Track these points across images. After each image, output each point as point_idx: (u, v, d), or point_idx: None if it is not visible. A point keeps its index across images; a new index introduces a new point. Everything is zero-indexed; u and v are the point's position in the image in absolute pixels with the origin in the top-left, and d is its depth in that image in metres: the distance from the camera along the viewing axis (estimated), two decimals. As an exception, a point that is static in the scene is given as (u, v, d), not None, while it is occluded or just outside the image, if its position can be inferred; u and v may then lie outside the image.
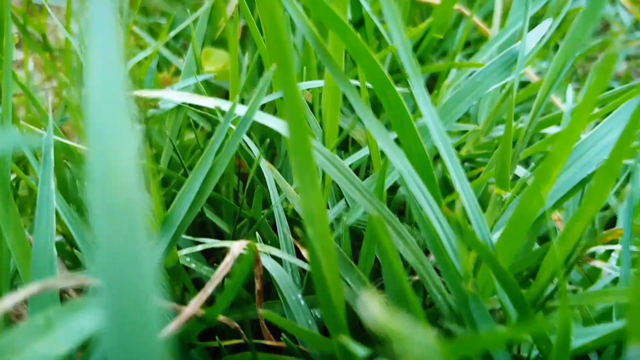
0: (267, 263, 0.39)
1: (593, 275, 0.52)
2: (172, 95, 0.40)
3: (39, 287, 0.23)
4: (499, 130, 0.67)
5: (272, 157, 0.73)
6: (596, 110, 0.50)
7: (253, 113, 0.36)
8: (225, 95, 0.83)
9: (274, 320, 0.32)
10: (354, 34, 0.35)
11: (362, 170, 0.62)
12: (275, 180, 0.46)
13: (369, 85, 0.50)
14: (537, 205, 0.32)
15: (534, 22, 0.77)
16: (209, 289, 0.32)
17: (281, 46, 0.27)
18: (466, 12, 0.75)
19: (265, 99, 0.51)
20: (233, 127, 0.42)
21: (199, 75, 0.55)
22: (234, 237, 0.56)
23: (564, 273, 0.31)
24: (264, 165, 0.45)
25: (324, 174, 0.43)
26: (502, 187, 0.44)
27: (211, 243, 0.42)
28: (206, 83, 0.81)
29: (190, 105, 0.57)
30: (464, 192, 0.35)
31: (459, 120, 0.69)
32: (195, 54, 0.59)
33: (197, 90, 0.62)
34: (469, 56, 0.91)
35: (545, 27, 0.46)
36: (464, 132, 0.67)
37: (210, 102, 0.38)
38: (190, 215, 0.36)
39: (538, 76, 0.81)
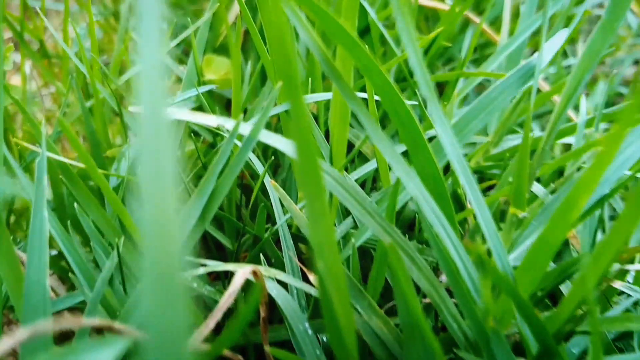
0: (273, 289, 0.37)
1: (608, 292, 0.50)
2: (175, 114, 0.38)
3: (28, 332, 0.22)
4: (509, 141, 0.65)
5: (275, 168, 0.71)
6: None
7: (257, 133, 0.34)
8: (227, 104, 0.81)
9: (281, 357, 0.30)
10: (363, 49, 0.33)
11: (369, 182, 0.60)
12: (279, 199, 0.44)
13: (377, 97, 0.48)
14: (561, 234, 0.30)
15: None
16: (210, 322, 0.30)
17: (288, 66, 0.25)
18: (475, 18, 0.73)
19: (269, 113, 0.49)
20: (238, 142, 0.41)
21: (201, 87, 0.53)
22: (237, 253, 0.54)
23: (593, 303, 0.29)
24: (269, 183, 0.43)
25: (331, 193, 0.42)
26: (518, 207, 0.42)
27: (214, 266, 0.40)
28: (208, 91, 0.79)
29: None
30: (483, 218, 0.33)
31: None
32: (196, 63, 0.57)
33: (198, 101, 0.61)
34: (476, 62, 0.89)
35: (561, 38, 0.44)
36: (473, 144, 0.66)
37: (212, 120, 0.37)
38: (190, 241, 0.35)
39: (546, 82, 0.79)
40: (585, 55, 0.40)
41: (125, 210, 0.38)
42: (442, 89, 0.77)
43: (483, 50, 0.92)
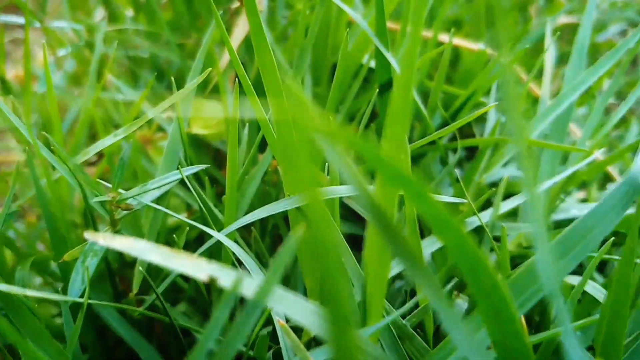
0: None
1: None
2: (148, 254, 0.27)
3: None
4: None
5: (274, 240, 0.60)
6: None
7: (266, 295, 0.24)
8: (216, 155, 0.70)
9: None
10: (433, 201, 0.23)
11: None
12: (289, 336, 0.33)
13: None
14: None
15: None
16: None
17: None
18: (522, 75, 0.63)
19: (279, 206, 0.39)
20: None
21: (187, 169, 0.43)
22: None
23: None
24: (277, 323, 0.32)
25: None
26: (608, 361, 0.32)
27: None
28: (193, 138, 0.68)
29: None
30: None
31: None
32: (182, 134, 0.46)
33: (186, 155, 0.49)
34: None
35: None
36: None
37: (202, 271, 0.26)
38: None
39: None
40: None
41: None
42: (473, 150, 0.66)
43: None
